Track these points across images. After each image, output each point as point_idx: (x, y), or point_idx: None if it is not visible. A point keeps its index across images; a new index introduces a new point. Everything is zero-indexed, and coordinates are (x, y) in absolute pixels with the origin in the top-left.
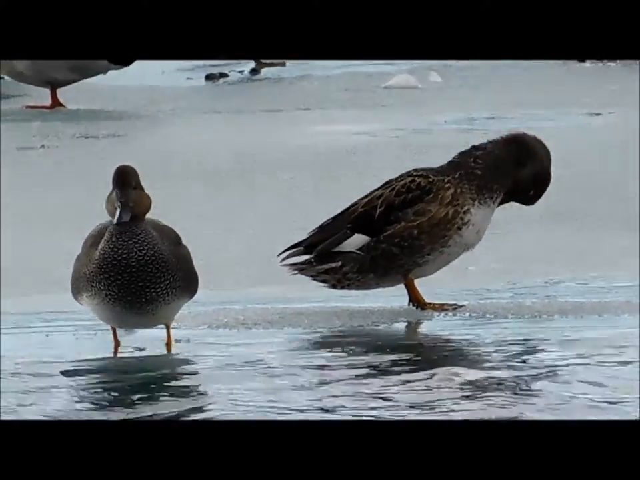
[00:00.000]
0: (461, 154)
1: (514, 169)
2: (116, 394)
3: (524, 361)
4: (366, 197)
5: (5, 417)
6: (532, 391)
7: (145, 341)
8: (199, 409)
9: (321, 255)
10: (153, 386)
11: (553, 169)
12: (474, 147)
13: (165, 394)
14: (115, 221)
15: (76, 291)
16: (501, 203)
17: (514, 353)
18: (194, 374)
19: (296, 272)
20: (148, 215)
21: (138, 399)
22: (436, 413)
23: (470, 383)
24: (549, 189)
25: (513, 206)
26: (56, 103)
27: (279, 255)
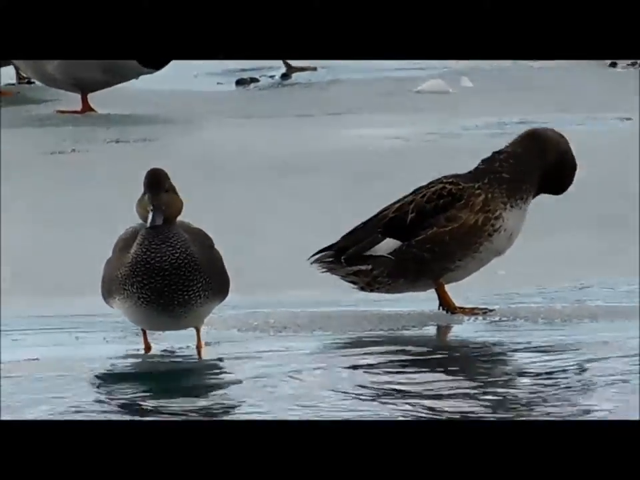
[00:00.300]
0: (485, 161)
1: (538, 164)
2: (145, 396)
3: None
4: (397, 202)
5: (4, 417)
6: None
7: (175, 343)
8: (228, 411)
9: (351, 258)
10: (182, 388)
11: (583, 173)
12: (496, 152)
13: (195, 396)
14: (147, 224)
15: (107, 294)
16: (533, 197)
17: (545, 357)
18: (224, 377)
19: (325, 270)
20: (180, 218)
21: (166, 401)
22: (463, 417)
23: (500, 386)
24: (580, 193)
25: (543, 209)
26: (87, 107)
27: (308, 259)
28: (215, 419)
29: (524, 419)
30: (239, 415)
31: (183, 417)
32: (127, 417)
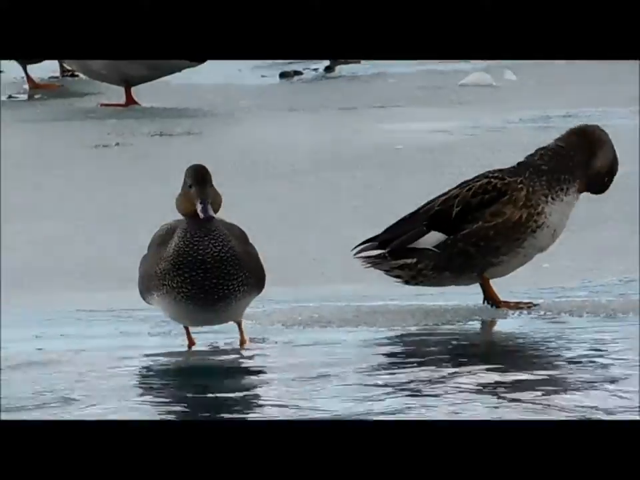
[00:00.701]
0: (529, 156)
1: (584, 160)
2: (190, 393)
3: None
4: (442, 195)
5: (5, 417)
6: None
7: (220, 339)
8: (269, 407)
9: (396, 250)
10: (226, 383)
11: (629, 166)
12: (540, 148)
13: (239, 392)
14: (201, 216)
15: (145, 291)
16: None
17: (590, 352)
18: (267, 373)
19: (369, 265)
20: (223, 212)
21: (211, 397)
22: (510, 411)
23: (542, 383)
24: (624, 186)
25: (588, 203)
26: (130, 100)
27: (352, 249)
28: (214, 419)
29: (524, 419)
30: (277, 410)
31: (189, 417)
32: (170, 416)
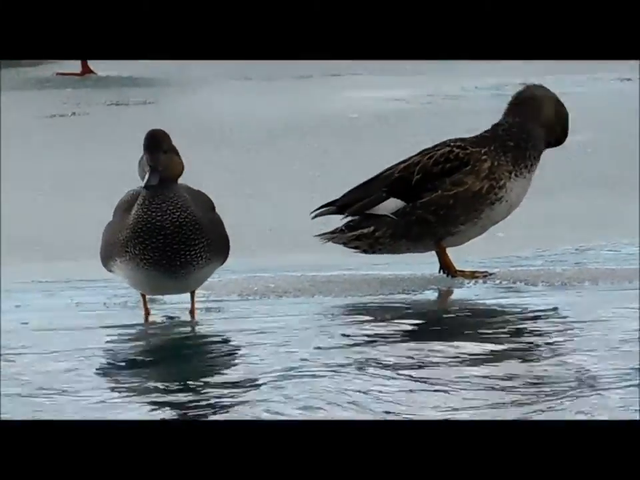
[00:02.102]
0: (488, 130)
1: (537, 124)
2: (146, 361)
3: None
4: (403, 162)
5: (4, 417)
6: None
7: (175, 309)
8: (226, 379)
9: (353, 219)
10: (181, 354)
11: (584, 134)
12: (496, 125)
13: (196, 361)
14: (143, 184)
15: (108, 258)
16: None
17: (543, 320)
18: (223, 342)
19: (327, 241)
20: (179, 181)
21: (166, 367)
22: (462, 385)
23: (497, 352)
24: (580, 154)
25: (543, 172)
26: (87, 70)
27: (311, 213)
28: (214, 419)
29: (524, 419)
30: (235, 378)
31: (182, 417)
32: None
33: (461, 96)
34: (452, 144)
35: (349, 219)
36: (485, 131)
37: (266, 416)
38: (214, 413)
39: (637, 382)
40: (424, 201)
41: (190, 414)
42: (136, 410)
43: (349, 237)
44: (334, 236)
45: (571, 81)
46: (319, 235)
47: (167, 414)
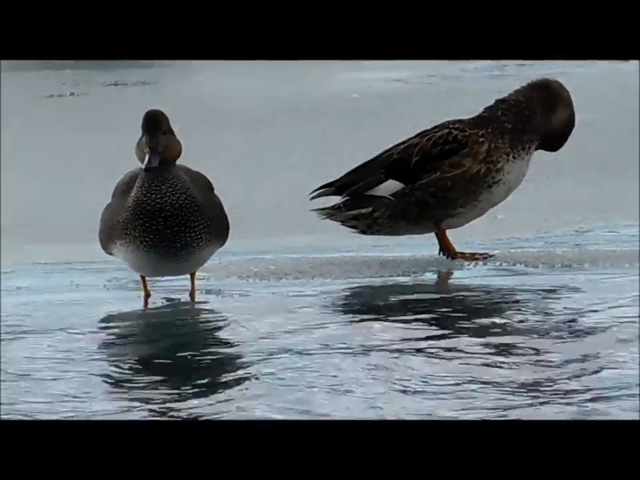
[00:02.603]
0: (488, 108)
1: (544, 116)
2: (146, 344)
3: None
4: (402, 143)
5: (4, 417)
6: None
7: (175, 291)
8: (228, 358)
9: (351, 198)
10: (181, 336)
11: (584, 115)
12: (499, 101)
13: (197, 344)
14: (143, 166)
15: (107, 240)
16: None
17: (545, 301)
18: (224, 325)
19: (325, 217)
20: (178, 162)
21: (167, 349)
22: (461, 366)
23: (497, 334)
24: (580, 135)
25: (543, 154)
26: None
27: (310, 194)
28: (213, 419)
29: (524, 419)
30: (238, 360)
31: (180, 418)
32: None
33: (460, 76)
34: (450, 126)
35: (347, 197)
36: (484, 110)
37: (265, 409)
38: (213, 393)
39: (637, 382)
40: (422, 182)
41: (189, 399)
42: (136, 396)
43: (347, 216)
44: (332, 212)
45: (570, 61)
46: (316, 210)
47: (165, 398)
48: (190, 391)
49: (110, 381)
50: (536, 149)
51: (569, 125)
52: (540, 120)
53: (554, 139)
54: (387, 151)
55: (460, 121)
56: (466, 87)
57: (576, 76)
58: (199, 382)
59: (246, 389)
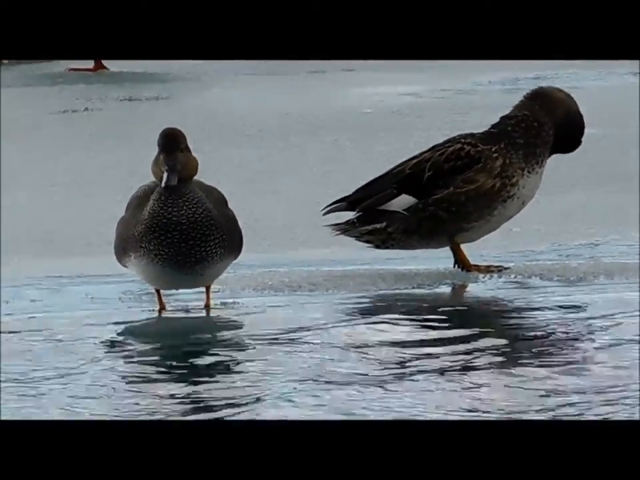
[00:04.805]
0: (496, 125)
1: (549, 123)
2: (161, 357)
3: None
4: (414, 158)
5: (4, 417)
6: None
7: (190, 303)
8: (241, 372)
9: (365, 213)
10: (198, 349)
11: (598, 129)
12: (505, 117)
13: (211, 356)
14: (162, 184)
15: (122, 253)
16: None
17: (561, 315)
18: (238, 336)
19: (339, 233)
20: (194, 177)
21: (182, 362)
22: (476, 378)
23: (513, 347)
24: (595, 149)
25: (558, 167)
26: (99, 65)
27: (322, 210)
28: (214, 419)
29: (524, 419)
30: (251, 374)
31: (180, 418)
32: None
33: (474, 91)
34: (462, 140)
35: (361, 212)
36: (492, 126)
37: (273, 413)
38: (226, 407)
39: (637, 382)
40: (436, 197)
41: (203, 409)
42: (148, 404)
43: (361, 231)
44: (346, 228)
45: (584, 75)
46: (330, 225)
47: (179, 409)
48: (201, 396)
49: (124, 387)
50: (552, 153)
51: (575, 123)
52: (548, 129)
53: (566, 140)
54: (398, 165)
55: (471, 135)
56: (479, 101)
57: (590, 90)
58: (210, 388)
59: (257, 398)
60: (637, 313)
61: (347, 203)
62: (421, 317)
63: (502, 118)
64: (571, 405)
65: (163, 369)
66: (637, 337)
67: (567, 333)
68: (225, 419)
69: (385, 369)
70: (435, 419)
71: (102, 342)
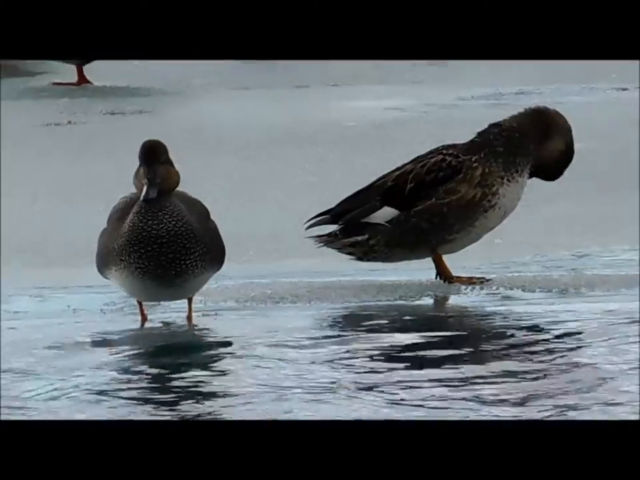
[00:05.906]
0: (481, 133)
1: (538, 143)
2: (144, 368)
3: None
4: (395, 170)
5: (4, 417)
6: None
7: (172, 314)
8: (224, 386)
9: (348, 225)
10: (179, 360)
11: (581, 142)
12: (492, 125)
13: (194, 368)
14: (142, 197)
15: (103, 266)
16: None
17: (541, 327)
18: (221, 347)
19: (322, 245)
20: (177, 188)
21: (164, 373)
22: (465, 389)
23: (497, 356)
24: (578, 161)
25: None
26: (82, 79)
27: (305, 223)
28: (213, 419)
29: (523, 419)
30: (232, 386)
31: (181, 417)
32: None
33: (457, 105)
34: (444, 152)
35: (343, 224)
36: (477, 135)
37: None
38: (210, 415)
39: (637, 382)
40: (418, 209)
41: (186, 418)
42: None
43: (344, 243)
44: (329, 240)
45: (567, 90)
46: (312, 237)
47: (165, 418)
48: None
49: (108, 394)
50: (533, 176)
51: (565, 154)
52: (532, 145)
53: (550, 168)
54: (380, 178)
55: (453, 146)
56: (463, 115)
57: (573, 104)
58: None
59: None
60: (623, 321)
61: (329, 216)
62: (403, 329)
63: (489, 125)
64: (568, 406)
65: (144, 378)
66: (628, 344)
67: (550, 342)
68: (203, 419)
69: (365, 379)
70: (419, 419)
71: (82, 351)
